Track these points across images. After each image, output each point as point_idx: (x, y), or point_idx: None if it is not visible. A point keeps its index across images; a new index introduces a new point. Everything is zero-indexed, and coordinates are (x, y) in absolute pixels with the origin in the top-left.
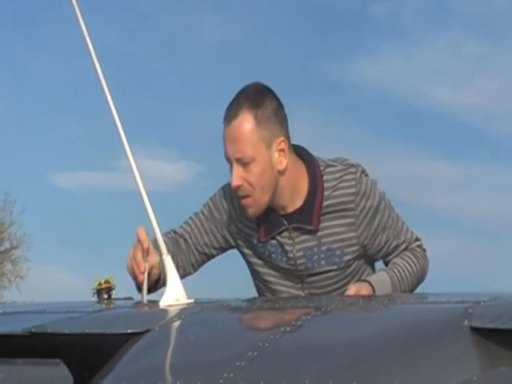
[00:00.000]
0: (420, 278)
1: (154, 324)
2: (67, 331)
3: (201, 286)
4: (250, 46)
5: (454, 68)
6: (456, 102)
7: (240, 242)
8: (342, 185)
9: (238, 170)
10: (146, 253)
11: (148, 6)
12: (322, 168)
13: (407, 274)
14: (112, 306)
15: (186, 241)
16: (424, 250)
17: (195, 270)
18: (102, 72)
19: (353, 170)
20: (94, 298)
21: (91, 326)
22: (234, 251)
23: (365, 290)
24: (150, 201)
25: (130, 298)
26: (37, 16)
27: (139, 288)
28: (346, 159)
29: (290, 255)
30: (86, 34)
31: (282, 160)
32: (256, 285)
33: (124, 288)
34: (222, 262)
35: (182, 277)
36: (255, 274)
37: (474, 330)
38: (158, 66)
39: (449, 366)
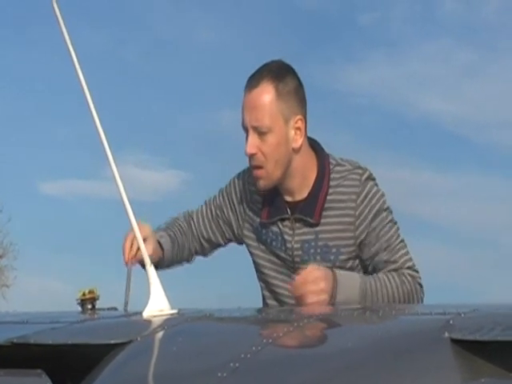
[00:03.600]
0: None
1: (136, 335)
2: (50, 342)
3: (185, 297)
4: (240, 53)
5: (443, 76)
6: (445, 110)
7: (245, 232)
8: (345, 183)
9: (253, 138)
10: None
11: (138, 9)
12: (331, 166)
13: (384, 291)
14: (95, 316)
15: (193, 222)
16: (420, 284)
17: (204, 252)
18: (85, 79)
19: (359, 171)
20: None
21: (74, 336)
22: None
23: (319, 272)
24: (132, 209)
25: (114, 309)
26: (25, 17)
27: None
28: (356, 161)
29: (289, 245)
30: (67, 38)
31: (298, 139)
32: (260, 284)
33: (108, 298)
34: (205, 272)
35: (193, 254)
36: (256, 267)
37: (455, 341)
38: (148, 71)
39: (429, 378)
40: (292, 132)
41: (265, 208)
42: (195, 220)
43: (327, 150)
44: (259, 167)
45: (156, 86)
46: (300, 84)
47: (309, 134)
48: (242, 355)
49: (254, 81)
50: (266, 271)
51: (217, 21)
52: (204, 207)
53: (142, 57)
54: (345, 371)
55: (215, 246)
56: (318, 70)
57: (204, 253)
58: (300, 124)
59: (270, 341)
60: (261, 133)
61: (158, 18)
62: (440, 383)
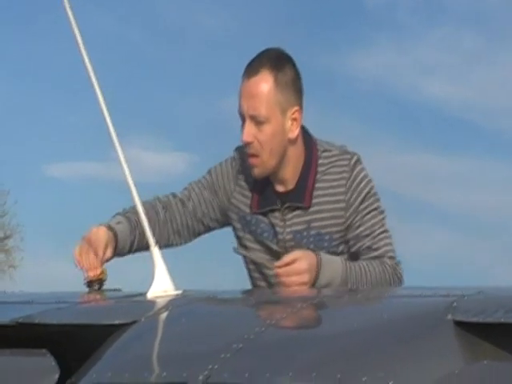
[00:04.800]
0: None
1: (140, 315)
2: (55, 322)
3: (190, 278)
4: (245, 37)
5: (449, 62)
6: (451, 96)
7: (233, 216)
8: (333, 170)
9: (250, 126)
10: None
11: None
12: (319, 153)
13: (364, 278)
14: (100, 296)
15: (183, 204)
16: (398, 277)
17: (191, 236)
18: (90, 62)
19: (347, 156)
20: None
21: (79, 316)
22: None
23: (304, 262)
24: (137, 191)
25: (119, 290)
26: (32, 5)
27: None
28: (344, 146)
29: (280, 237)
30: (73, 21)
31: (294, 129)
32: (247, 267)
33: (113, 279)
34: (212, 254)
35: (178, 243)
36: (245, 248)
37: (458, 323)
38: (153, 54)
39: (432, 359)
40: (289, 122)
41: (254, 198)
42: (186, 200)
43: (315, 136)
44: (255, 155)
45: (162, 69)
46: (298, 74)
47: (314, 122)
48: (246, 336)
49: (252, 69)
50: (254, 252)
51: (222, 6)
52: (194, 191)
53: (148, 41)
54: (348, 352)
55: (204, 228)
56: (324, 55)
57: (190, 236)
58: (297, 115)
59: (274, 322)
60: (258, 122)
61: (163, 3)
62: (443, 365)
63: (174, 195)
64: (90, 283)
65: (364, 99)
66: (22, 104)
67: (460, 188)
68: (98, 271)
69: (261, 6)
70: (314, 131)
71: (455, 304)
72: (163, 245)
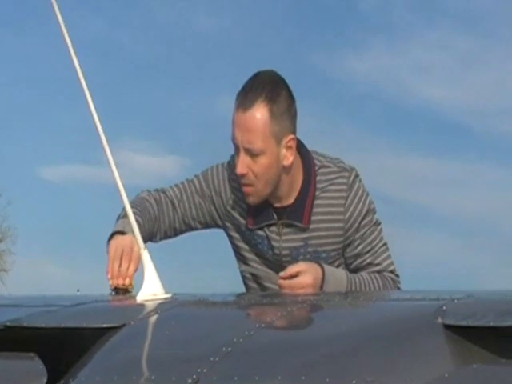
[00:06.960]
0: None
1: (129, 318)
2: (43, 325)
3: (180, 281)
4: (239, 39)
5: (443, 64)
6: (445, 98)
7: (228, 225)
8: (332, 188)
9: (245, 158)
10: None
11: None
12: (316, 168)
13: (367, 289)
14: (89, 299)
15: (173, 206)
16: (399, 288)
17: (175, 235)
18: (79, 63)
19: (346, 174)
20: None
21: (67, 319)
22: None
23: (309, 276)
24: (127, 193)
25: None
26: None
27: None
28: (341, 161)
29: (276, 251)
30: (61, 22)
31: (289, 156)
32: (241, 271)
33: (103, 282)
34: (202, 257)
35: (161, 238)
36: (241, 258)
37: (447, 327)
38: (146, 56)
39: (421, 363)
40: (283, 151)
41: (250, 214)
42: (176, 203)
43: (310, 147)
44: (249, 185)
45: (155, 72)
46: (292, 99)
47: (308, 125)
48: (235, 339)
49: (247, 100)
50: (252, 264)
51: (216, 7)
52: (185, 193)
53: (140, 42)
54: (337, 356)
55: (190, 230)
56: (318, 57)
57: (175, 235)
58: (292, 143)
59: (263, 325)
60: (253, 154)
61: (157, 2)
62: (432, 368)
63: (165, 193)
64: (116, 290)
65: (357, 101)
66: (17, 106)
67: (453, 191)
68: (128, 281)
69: (255, 8)
70: (308, 134)
71: (445, 307)
72: (147, 239)
